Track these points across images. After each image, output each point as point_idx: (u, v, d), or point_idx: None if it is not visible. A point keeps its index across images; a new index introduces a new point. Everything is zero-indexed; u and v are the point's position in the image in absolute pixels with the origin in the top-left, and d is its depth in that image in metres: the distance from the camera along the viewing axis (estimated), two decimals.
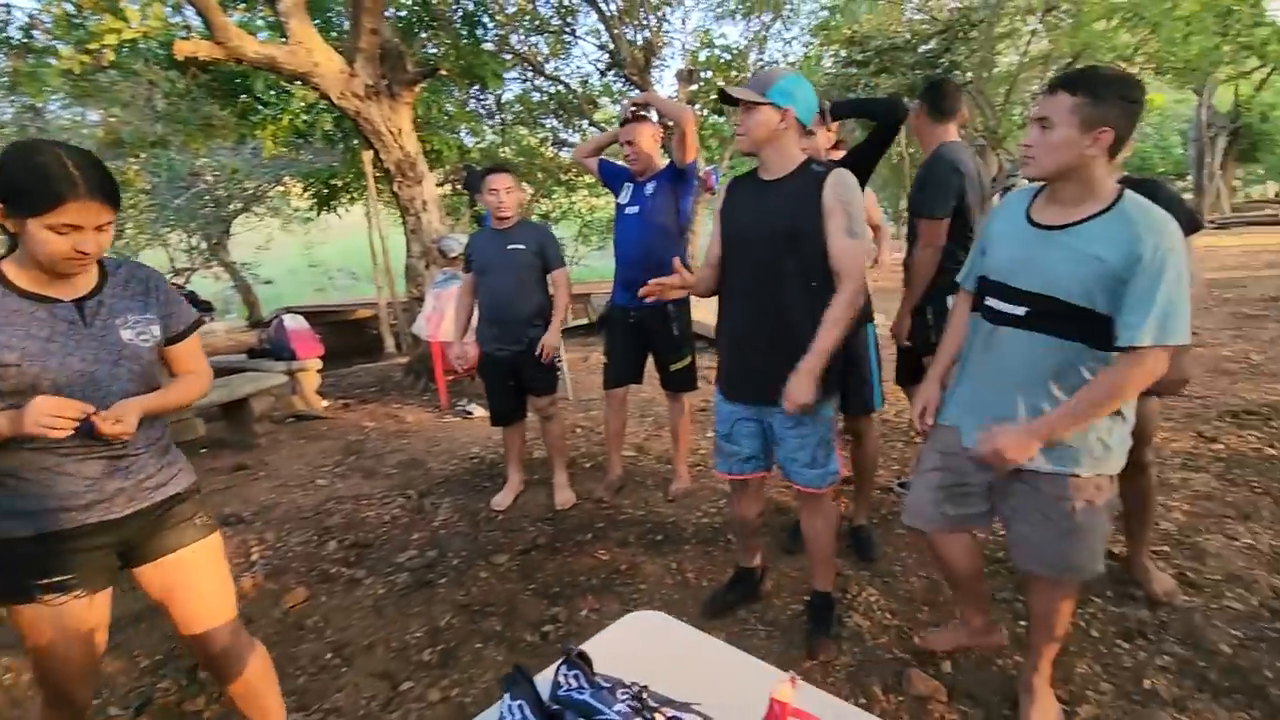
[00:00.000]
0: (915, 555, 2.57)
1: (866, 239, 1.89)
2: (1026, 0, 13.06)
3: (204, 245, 14.68)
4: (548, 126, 12.14)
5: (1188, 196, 19.20)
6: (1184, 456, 3.33)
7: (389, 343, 7.91)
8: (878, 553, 2.60)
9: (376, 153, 5.15)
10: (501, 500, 3.25)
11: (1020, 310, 1.52)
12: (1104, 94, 1.39)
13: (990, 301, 1.58)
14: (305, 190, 8.21)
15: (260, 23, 6.59)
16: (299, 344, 5.08)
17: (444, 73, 4.94)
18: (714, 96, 10.94)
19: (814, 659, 2.03)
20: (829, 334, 1.81)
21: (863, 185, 2.44)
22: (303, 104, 6.33)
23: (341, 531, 3.13)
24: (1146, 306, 1.35)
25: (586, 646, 1.25)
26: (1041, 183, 1.54)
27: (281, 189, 13.72)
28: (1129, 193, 1.45)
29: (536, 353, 2.93)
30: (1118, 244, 1.39)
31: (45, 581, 1.30)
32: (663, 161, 3.14)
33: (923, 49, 11.37)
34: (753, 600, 2.35)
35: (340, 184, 7.86)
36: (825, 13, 13.26)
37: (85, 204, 1.20)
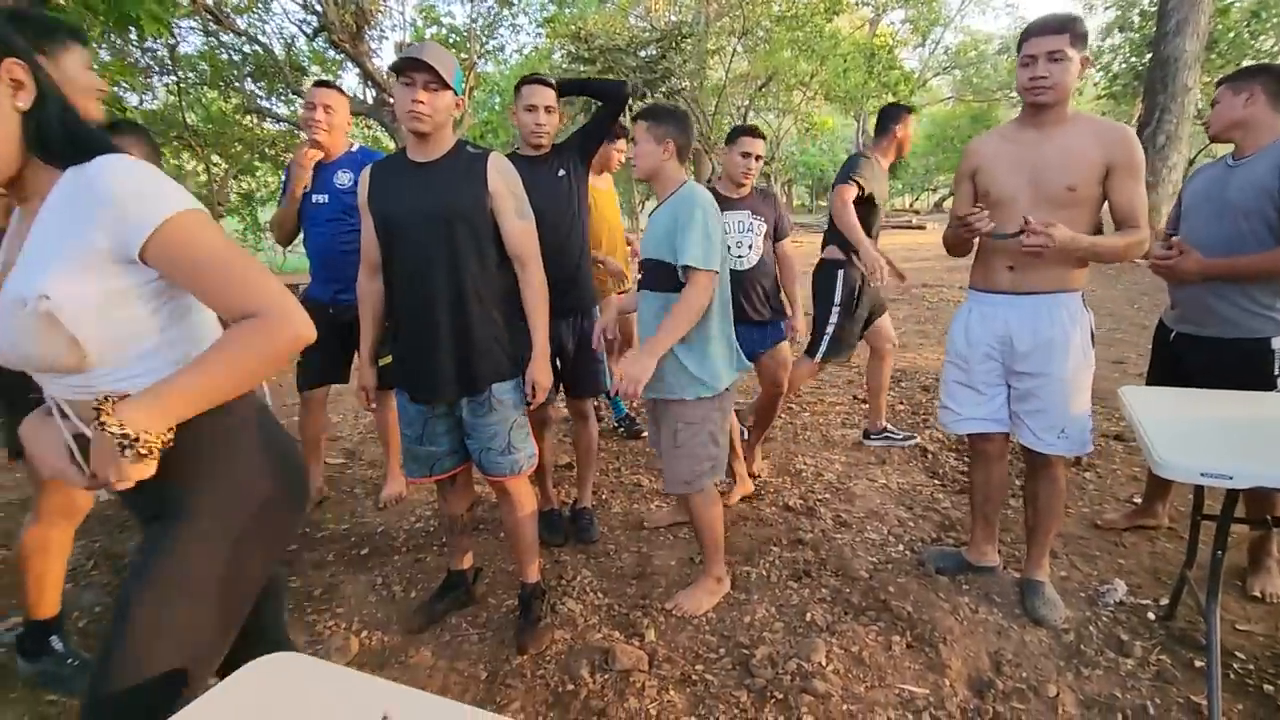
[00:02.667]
0: (627, 533, 2.66)
1: (532, 220, 1.89)
2: (730, 22, 14.73)
3: None
4: (244, 91, 10.45)
5: None
6: (843, 415, 3.98)
7: None
8: (596, 534, 2.64)
9: None
10: None
11: (640, 274, 2.08)
12: (664, 119, 1.98)
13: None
14: None
15: None
16: None
17: (62, 2, 3.84)
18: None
19: (524, 653, 1.96)
20: (540, 320, 1.88)
21: (589, 164, 2.48)
22: None
23: None
24: (686, 247, 1.88)
25: (192, 709, 1.00)
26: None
27: None
28: (689, 183, 2.01)
29: None
30: (672, 212, 1.95)
31: None
32: (351, 144, 2.80)
33: (643, 53, 12.14)
34: (464, 605, 2.21)
35: None
36: (554, 6, 13.48)
37: None
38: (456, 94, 1.77)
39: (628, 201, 21.94)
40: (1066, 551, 2.42)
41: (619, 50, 11.98)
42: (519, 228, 1.83)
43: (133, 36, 7.14)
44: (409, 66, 1.68)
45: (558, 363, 2.49)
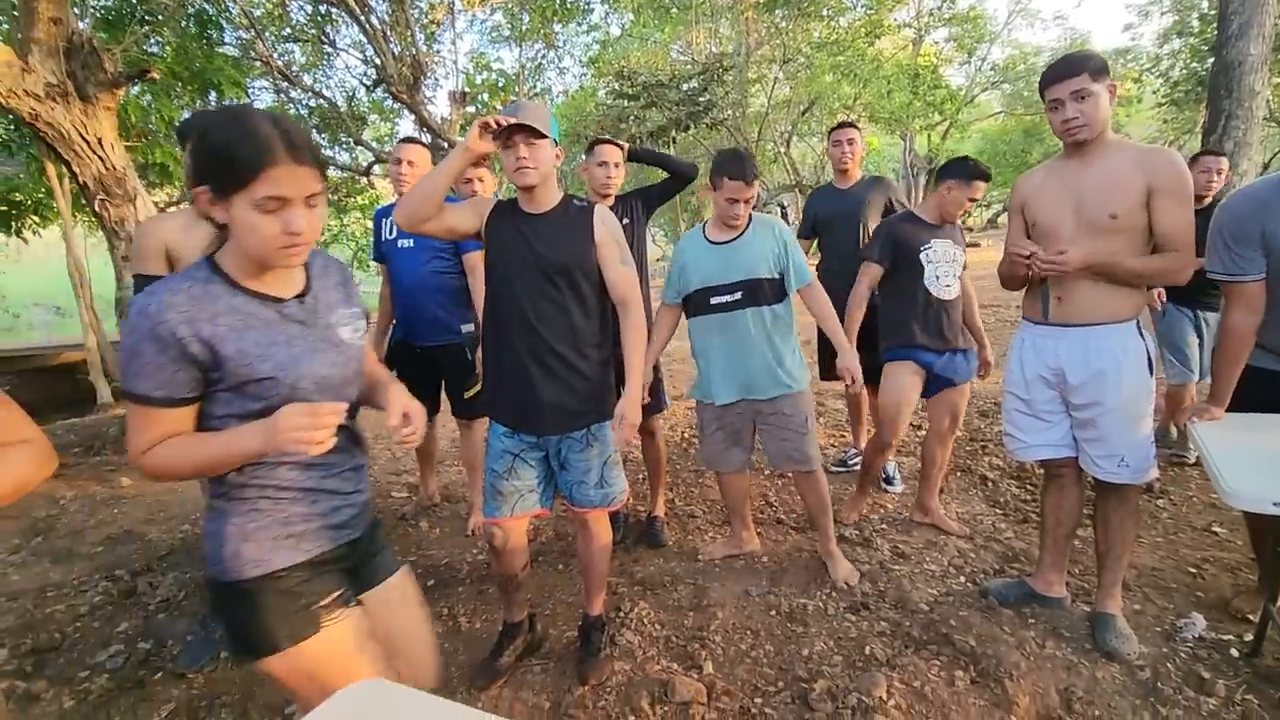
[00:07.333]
0: (683, 564, 2.69)
1: (633, 267, 1.96)
2: (770, 51, 14.91)
3: None
4: None
5: None
6: (901, 444, 3.92)
7: (104, 392, 6.56)
8: (666, 539, 2.88)
9: (69, 164, 4.27)
10: None
11: (737, 295, 2.34)
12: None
13: (713, 300, 2.36)
14: None
15: None
16: None
17: (156, 76, 4.23)
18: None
19: (585, 684, 2.01)
20: (638, 361, 1.90)
21: (649, 215, 2.86)
22: None
23: (15, 635, 2.48)
24: (803, 270, 2.36)
25: None
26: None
27: None
28: (753, 213, 2.40)
29: None
30: (769, 237, 2.35)
31: (324, 602, 1.19)
32: None
33: (685, 87, 12.38)
34: (525, 655, 2.18)
35: (24, 200, 6.37)
36: (597, 46, 13.91)
37: (288, 169, 1.01)
38: (555, 143, 1.85)
39: (673, 230, 22.13)
40: (1140, 584, 2.33)
41: (661, 85, 12.26)
42: (622, 274, 1.88)
43: (211, 98, 7.70)
44: (512, 133, 1.74)
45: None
